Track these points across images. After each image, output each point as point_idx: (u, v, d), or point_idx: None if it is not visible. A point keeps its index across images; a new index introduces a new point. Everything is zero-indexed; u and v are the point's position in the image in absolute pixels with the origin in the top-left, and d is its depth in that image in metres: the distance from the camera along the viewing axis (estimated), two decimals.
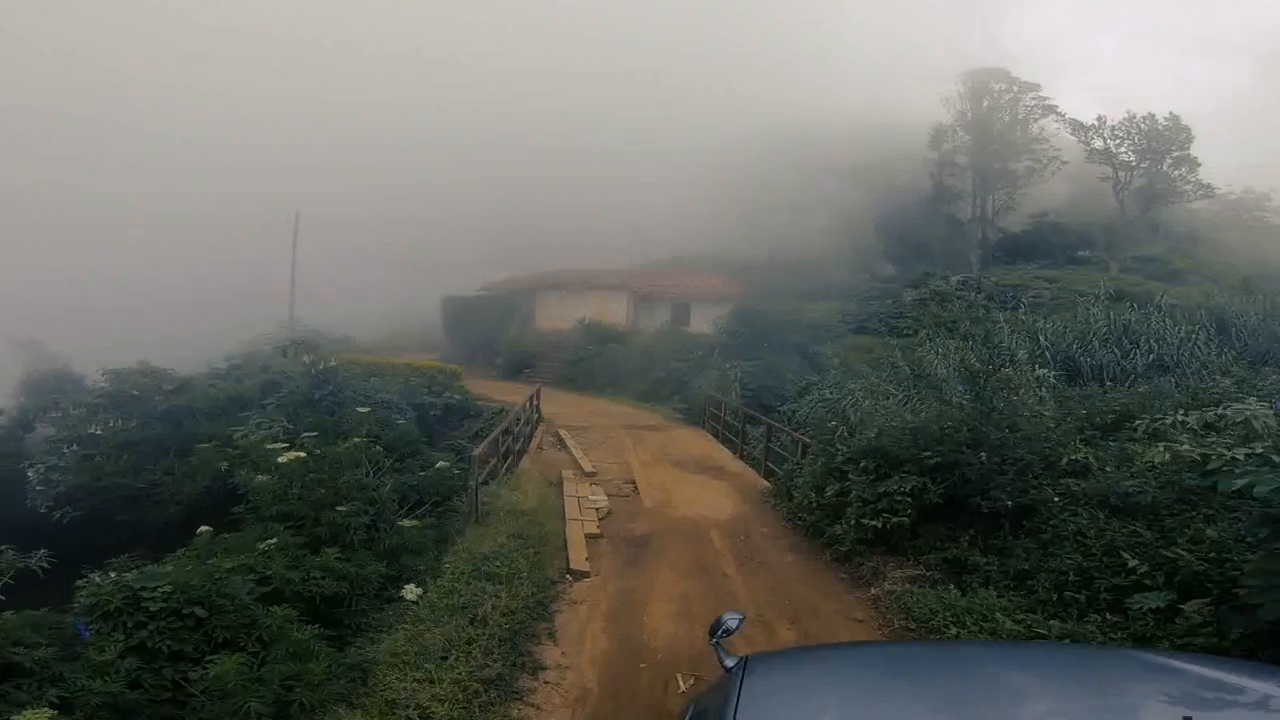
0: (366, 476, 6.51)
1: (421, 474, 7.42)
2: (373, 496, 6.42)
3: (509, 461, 10.48)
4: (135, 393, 16.22)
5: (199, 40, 57.44)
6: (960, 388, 8.45)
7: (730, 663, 1.96)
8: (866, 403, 11.28)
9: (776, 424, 11.39)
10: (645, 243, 42.39)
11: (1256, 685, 1.64)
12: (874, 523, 6.42)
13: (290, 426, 13.67)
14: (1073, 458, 6.36)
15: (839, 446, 7.32)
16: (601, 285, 28.96)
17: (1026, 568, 5.54)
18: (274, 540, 5.15)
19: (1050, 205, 44.30)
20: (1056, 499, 5.96)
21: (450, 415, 18.45)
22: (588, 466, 10.82)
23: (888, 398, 11.46)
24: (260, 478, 5.90)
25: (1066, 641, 4.27)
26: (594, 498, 8.90)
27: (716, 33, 59.36)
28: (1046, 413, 6.95)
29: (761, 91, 52.12)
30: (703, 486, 10.16)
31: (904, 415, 7.64)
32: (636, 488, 9.82)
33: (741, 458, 12.48)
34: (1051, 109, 44.42)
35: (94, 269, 40.45)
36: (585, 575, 6.41)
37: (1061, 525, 5.67)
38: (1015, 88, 43.85)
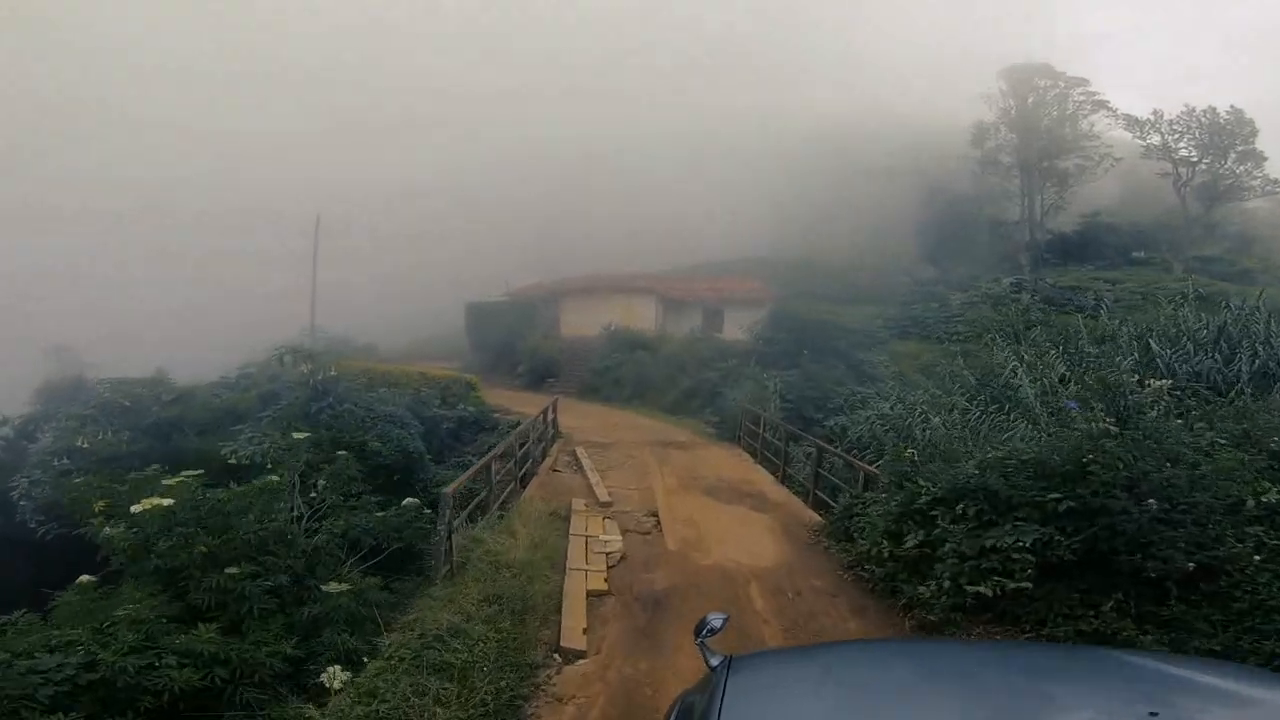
0: (292, 521, 5.02)
1: (380, 515, 5.85)
2: (303, 548, 4.93)
3: (509, 490, 8.93)
4: (127, 403, 15.21)
5: (229, 46, 58.30)
6: (1069, 405, 6.61)
7: (715, 662, 1.96)
8: (937, 420, 9.45)
9: (827, 445, 9.59)
10: (679, 248, 41.32)
11: (1220, 682, 1.68)
12: (979, 588, 4.68)
13: (282, 441, 12.48)
14: (1262, 499, 4.56)
15: (921, 483, 5.55)
16: (628, 289, 27.40)
17: (1217, 648, 3.99)
18: (130, 609, 3.67)
19: (1100, 205, 41.83)
20: (1257, 558, 4.19)
21: (464, 429, 17.05)
22: (603, 494, 9.20)
23: (963, 413, 9.61)
24: (108, 530, 4.42)
25: (1043, 640, 4.15)
26: (606, 537, 7.26)
27: (752, 35, 57.88)
28: (1221, 439, 5.07)
29: (797, 95, 50.70)
30: (739, 521, 8.43)
31: (1014, 443, 5.82)
32: (659, 522, 8.15)
33: (783, 482, 10.73)
34: (1102, 104, 42.12)
35: (125, 274, 40.71)
36: (581, 655, 4.77)
37: (1265, 590, 4.08)
38: (1061, 83, 41.85)
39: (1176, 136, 40.25)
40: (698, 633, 2.27)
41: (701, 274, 34.36)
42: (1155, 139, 40.13)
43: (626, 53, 58.07)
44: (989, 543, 4.83)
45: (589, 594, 5.78)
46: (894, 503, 5.75)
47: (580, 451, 12.31)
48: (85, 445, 13.76)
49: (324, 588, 4.50)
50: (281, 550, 4.80)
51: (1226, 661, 2.40)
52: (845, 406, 15.95)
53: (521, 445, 10.15)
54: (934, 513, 5.35)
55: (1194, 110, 39.83)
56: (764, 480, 10.87)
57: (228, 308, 37.85)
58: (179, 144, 47.68)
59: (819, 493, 9.09)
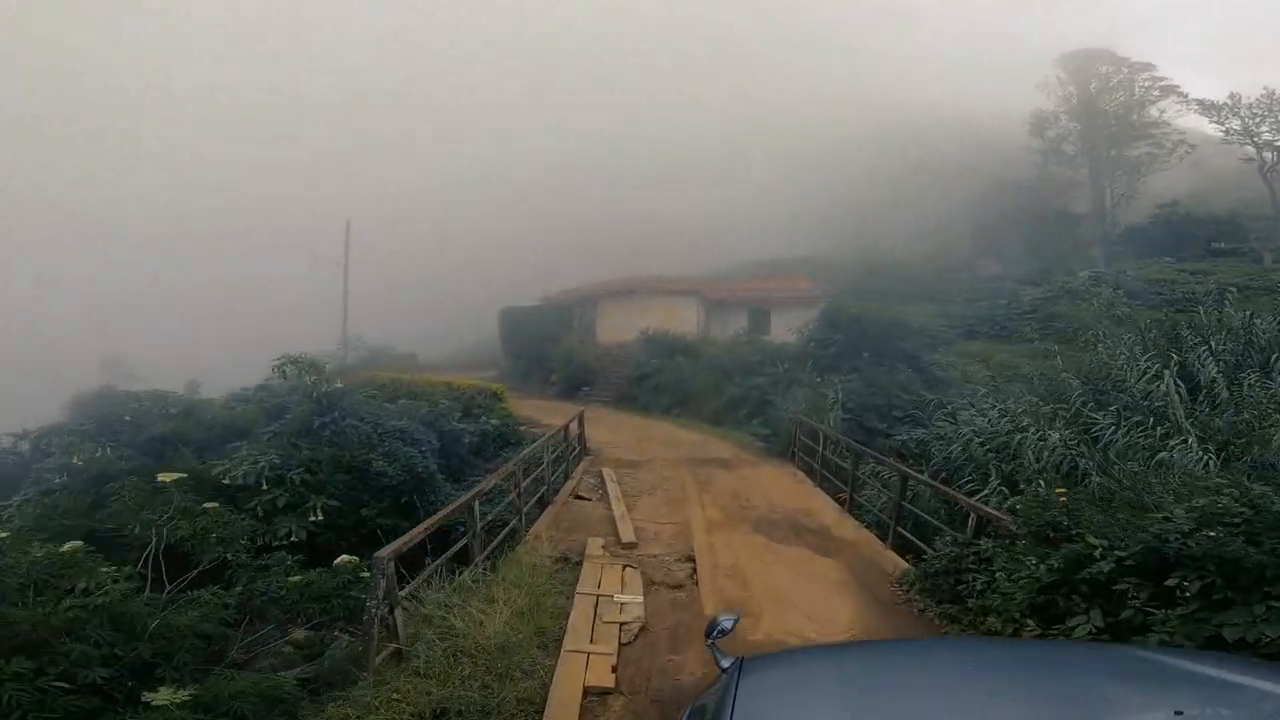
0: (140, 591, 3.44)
1: (296, 579, 4.22)
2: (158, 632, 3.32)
3: (513, 525, 7.27)
4: (128, 417, 14.26)
5: (256, 52, 59.32)
6: None
7: (726, 663, 1.94)
8: (1055, 435, 7.36)
9: (913, 472, 7.56)
10: (723, 250, 40.14)
11: (1248, 681, 1.61)
12: None
13: (278, 460, 11.20)
14: None
15: (1092, 540, 3.59)
16: (669, 291, 25.63)
17: None
18: None
19: (1171, 194, 38.75)
20: None
21: (486, 444, 15.57)
22: (627, 533, 7.43)
23: (1084, 429, 7.50)
24: None
25: (1061, 639, 3.61)
26: (623, 597, 5.49)
27: (797, 29, 55.78)
28: None
29: (844, 89, 48.45)
30: (800, 568, 6.53)
31: (1242, 483, 3.79)
32: (695, 571, 6.34)
33: (850, 510, 8.77)
34: (1171, 89, 39.63)
35: (176, 292, 41.29)
36: None
37: None
38: (1125, 69, 39.80)
39: (1257, 120, 37.25)
40: (708, 634, 2.24)
41: (745, 275, 32.41)
42: (1235, 124, 37.23)
43: (667, 50, 56.65)
44: (1231, 634, 2.93)
45: (586, 692, 4.02)
46: (1046, 567, 3.80)
47: (607, 473, 10.58)
48: (79, 462, 12.82)
49: (148, 697, 2.84)
50: (119, 637, 3.20)
51: (1253, 659, 2.22)
52: (920, 416, 13.87)
53: (529, 471, 8.45)
54: (1120, 586, 3.41)
55: (1275, 93, 37.08)
56: (826, 509, 8.91)
57: (272, 322, 37.84)
58: (217, 170, 48.61)
59: (901, 529, 7.13)
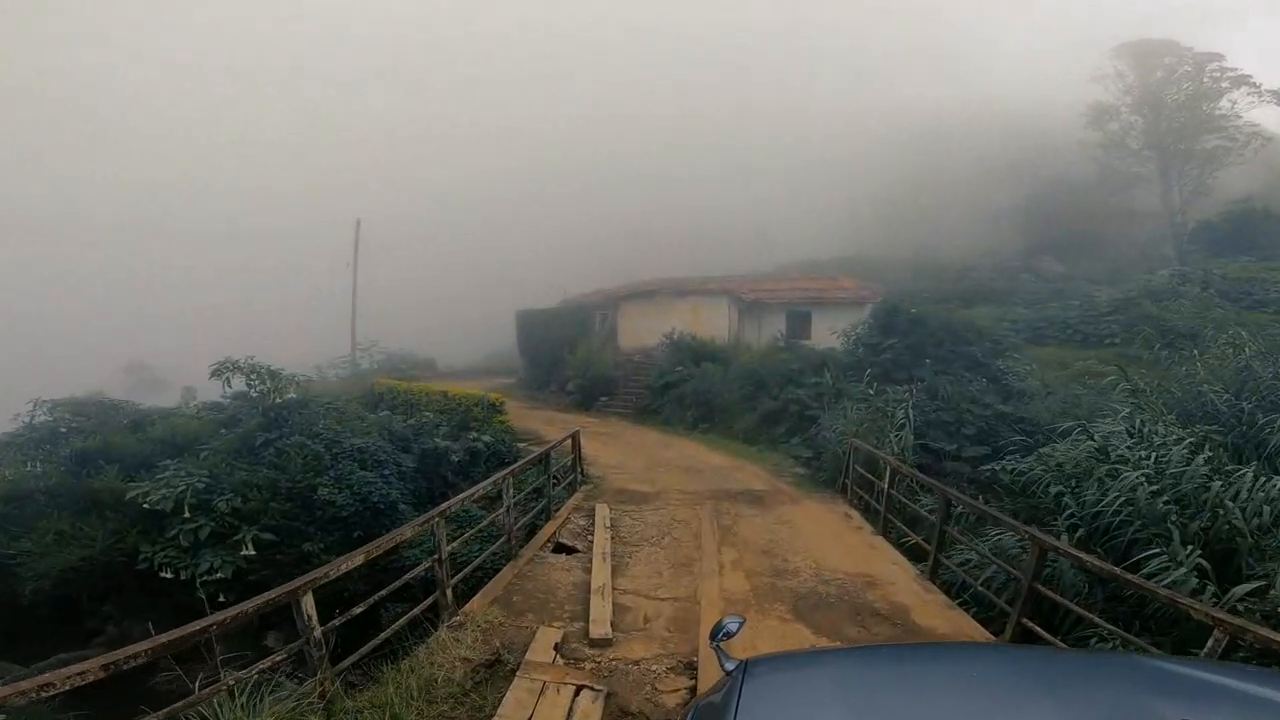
0: None
1: None
2: None
3: (434, 599, 4.91)
4: (63, 430, 12.44)
5: (268, 53, 59.03)
6: None
7: (730, 665, 1.94)
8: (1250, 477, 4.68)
9: (1056, 542, 4.79)
10: (760, 251, 37.93)
11: (1255, 689, 1.59)
12: None
13: (202, 484, 9.13)
14: None
15: None
16: (697, 291, 23.10)
17: None
18: None
19: (1245, 189, 35.90)
20: None
21: (478, 462, 13.31)
22: (601, 619, 4.97)
23: None
24: None
25: (1069, 648, 3.82)
26: None
27: (838, 25, 52.99)
28: None
29: (888, 86, 45.69)
30: None
31: None
32: (696, 692, 3.84)
33: (932, 577, 6.15)
34: (1243, 80, 36.09)
35: (190, 286, 40.60)
36: None
37: None
38: (1189, 59, 36.83)
39: None
40: (713, 636, 2.25)
41: (786, 273, 29.73)
42: None
43: (704, 47, 54.39)
44: None
45: None
46: None
47: (602, 513, 8.15)
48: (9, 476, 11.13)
49: None
50: None
51: (1261, 669, 2.09)
52: (998, 435, 11.21)
53: (460, 526, 6.08)
54: None
55: None
56: (900, 577, 6.27)
57: (294, 325, 36.68)
58: (236, 174, 48.16)
59: (1027, 620, 4.52)
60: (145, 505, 9.37)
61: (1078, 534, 5.41)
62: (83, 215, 38.74)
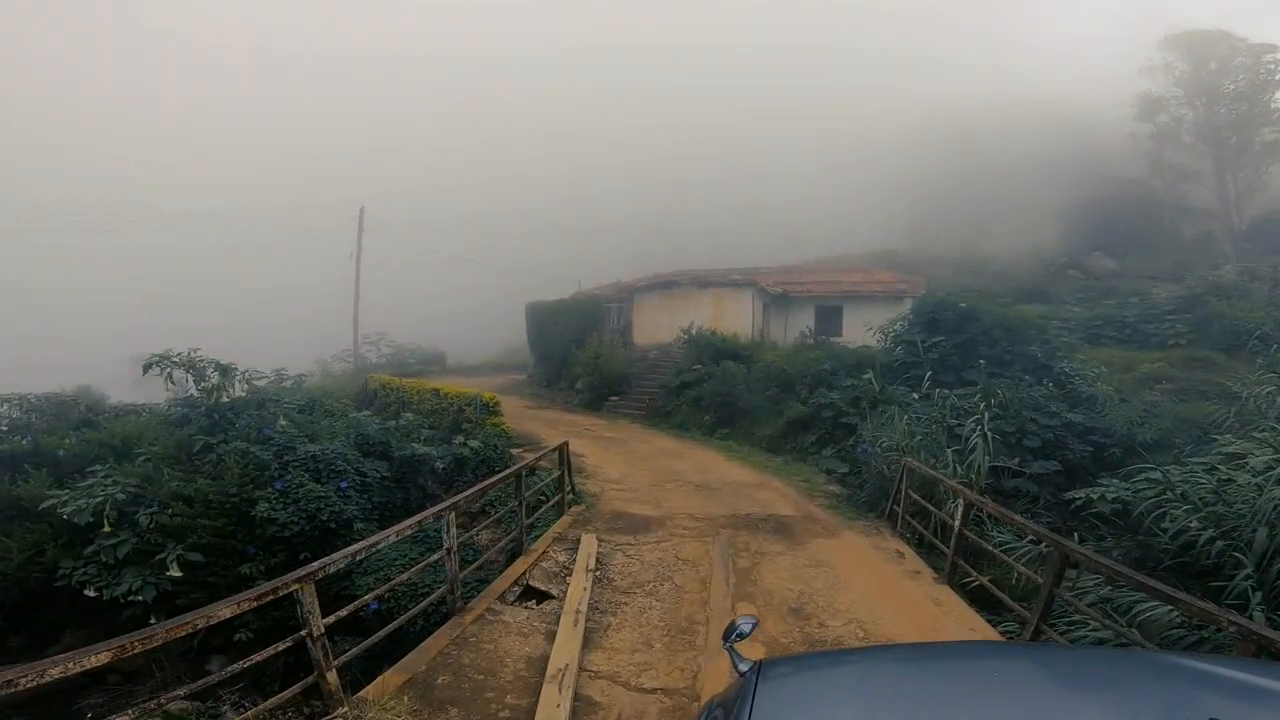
0: None
1: None
2: None
3: (311, 681, 3.29)
4: (4, 428, 11.15)
5: (277, 49, 58.35)
6: None
7: (744, 667, 1.92)
8: None
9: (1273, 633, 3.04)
10: (793, 244, 36.25)
11: None
12: None
13: (125, 495, 7.65)
14: None
15: None
16: (719, 283, 21.28)
17: None
18: None
19: None
20: None
21: (463, 469, 11.73)
22: None
23: None
24: None
25: (1092, 646, 3.57)
26: None
27: (882, 16, 50.79)
28: None
29: (928, 81, 43.56)
30: None
31: None
32: None
33: None
34: None
35: (202, 278, 39.89)
36: None
37: None
38: (1245, 50, 35.31)
39: None
40: (726, 637, 2.24)
41: (815, 265, 27.83)
42: None
43: (733, 36, 52.50)
44: None
45: None
46: None
47: (588, 547, 6.48)
48: None
49: None
50: None
51: None
52: (1067, 448, 9.42)
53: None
54: None
55: None
56: None
57: (310, 319, 35.77)
58: (241, 167, 47.53)
59: None
60: (65, 516, 8.02)
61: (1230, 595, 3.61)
62: (90, 200, 38.16)
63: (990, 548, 5.81)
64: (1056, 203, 35.73)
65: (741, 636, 2.21)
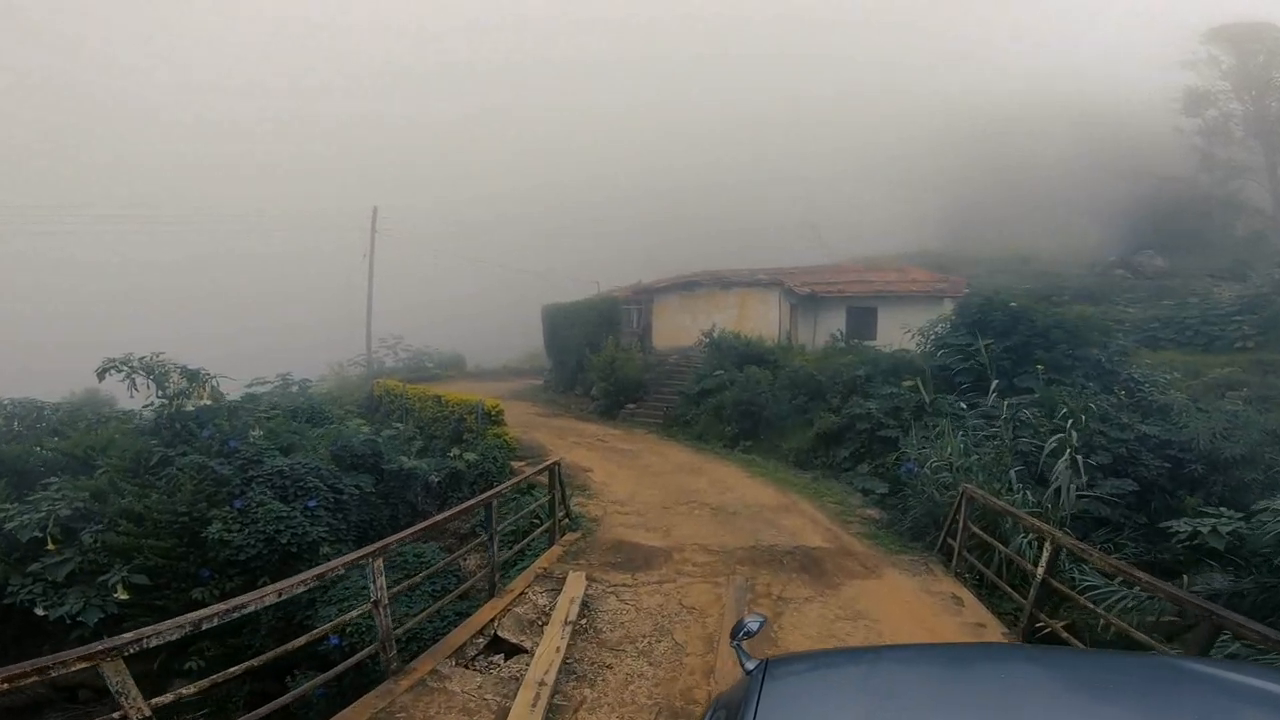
0: None
1: None
2: None
3: None
4: None
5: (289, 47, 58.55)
6: None
7: (751, 665, 1.89)
8: None
9: None
10: (821, 245, 35.03)
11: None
12: None
13: (71, 510, 6.78)
14: None
15: None
16: (742, 283, 20.05)
17: None
18: None
19: None
20: None
21: (459, 484, 10.72)
22: None
23: None
24: None
25: (1096, 649, 3.56)
26: None
27: (914, 11, 49.23)
28: None
29: (963, 77, 41.90)
30: None
31: None
32: None
33: None
34: None
35: (216, 281, 39.88)
36: None
37: None
38: None
39: None
40: (734, 635, 2.23)
41: (846, 264, 26.41)
42: None
43: (762, 36, 51.34)
44: None
45: None
46: None
47: (572, 590, 5.34)
48: None
49: None
50: None
51: None
52: (1146, 466, 8.04)
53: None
54: None
55: None
56: None
57: (327, 321, 35.46)
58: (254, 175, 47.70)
59: None
60: (10, 530, 7.24)
61: None
62: (103, 200, 38.47)
63: (1076, 594, 4.54)
64: (1098, 201, 34.38)
65: (749, 635, 2.19)
